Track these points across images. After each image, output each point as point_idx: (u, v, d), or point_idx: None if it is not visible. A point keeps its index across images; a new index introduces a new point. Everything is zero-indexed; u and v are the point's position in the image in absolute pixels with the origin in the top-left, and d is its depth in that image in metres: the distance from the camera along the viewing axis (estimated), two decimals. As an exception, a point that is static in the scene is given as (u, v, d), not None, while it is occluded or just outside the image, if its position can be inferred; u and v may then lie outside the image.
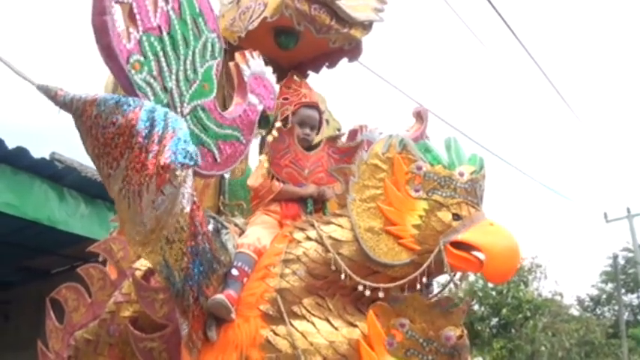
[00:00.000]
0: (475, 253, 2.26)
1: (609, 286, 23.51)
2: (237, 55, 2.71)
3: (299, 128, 2.90)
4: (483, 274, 2.29)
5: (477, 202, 2.32)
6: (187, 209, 2.15)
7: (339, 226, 2.42)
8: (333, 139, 2.99)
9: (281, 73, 3.46)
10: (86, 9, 2.16)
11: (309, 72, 3.54)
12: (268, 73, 2.77)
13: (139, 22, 2.22)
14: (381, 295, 2.29)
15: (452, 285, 2.40)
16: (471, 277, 15.62)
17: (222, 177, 3.13)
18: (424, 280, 2.26)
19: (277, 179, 2.80)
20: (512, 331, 15.59)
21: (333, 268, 2.33)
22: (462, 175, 2.31)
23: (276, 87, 2.84)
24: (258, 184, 2.79)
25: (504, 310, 15.29)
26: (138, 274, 2.74)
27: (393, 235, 2.30)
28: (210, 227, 2.44)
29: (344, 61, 3.50)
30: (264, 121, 2.77)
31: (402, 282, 2.27)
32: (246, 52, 2.71)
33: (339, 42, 3.22)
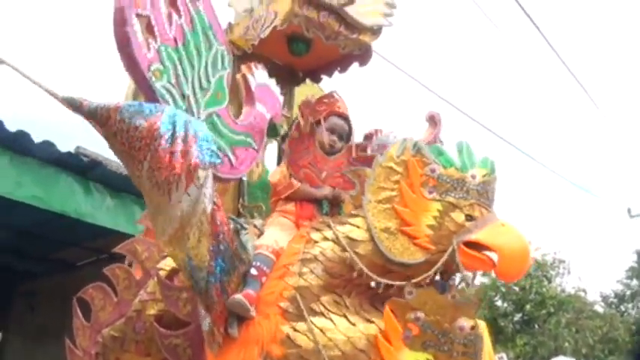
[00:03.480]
0: (487, 253, 2.31)
1: (634, 282, 23.21)
2: (243, 67, 2.80)
3: (328, 134, 2.95)
4: (495, 274, 2.36)
5: (488, 204, 2.38)
6: (209, 209, 2.24)
7: (355, 226, 2.48)
8: (355, 147, 3.02)
9: (296, 79, 3.55)
10: (108, 21, 2.25)
11: (323, 76, 3.59)
12: (272, 84, 2.85)
13: (157, 34, 2.32)
14: (395, 292, 2.34)
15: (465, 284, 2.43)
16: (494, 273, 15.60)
17: (241, 180, 3.19)
18: (437, 278, 2.33)
19: (295, 178, 2.87)
20: (536, 327, 15.53)
21: (350, 266, 2.39)
22: (474, 177, 2.37)
23: (281, 97, 2.93)
24: (277, 179, 2.88)
25: (528, 306, 15.23)
26: (162, 273, 2.81)
27: (408, 235, 2.36)
28: (231, 228, 2.52)
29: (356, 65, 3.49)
30: (272, 130, 2.83)
31: (416, 280, 2.32)
32: (252, 65, 2.79)
33: (349, 47, 3.26)
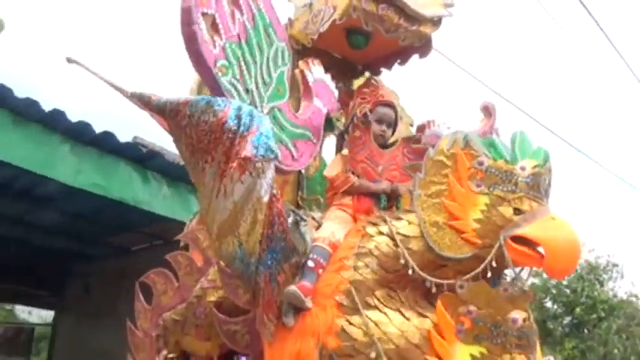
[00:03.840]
0: (538, 248, 2.25)
1: (690, 289, 22.38)
2: (300, 63, 2.88)
3: (376, 125, 2.98)
4: (544, 269, 2.29)
5: (540, 197, 2.31)
6: (265, 199, 2.31)
7: (408, 221, 2.49)
8: (409, 140, 3.04)
9: (355, 72, 3.56)
10: (175, 21, 2.38)
11: (382, 69, 3.59)
12: (327, 79, 2.93)
13: (222, 32, 2.44)
14: (450, 286, 2.33)
15: (517, 280, 2.39)
16: (545, 274, 15.33)
17: (300, 173, 3.27)
18: (488, 274, 2.28)
19: (353, 173, 2.89)
20: (585, 331, 15.16)
21: (402, 262, 2.40)
22: (523, 169, 2.31)
23: (336, 91, 2.98)
24: (335, 174, 2.91)
25: (578, 310, 14.85)
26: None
27: (456, 229, 2.34)
28: (290, 220, 2.59)
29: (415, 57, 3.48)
30: (329, 124, 2.90)
31: (467, 277, 2.31)
32: (309, 60, 2.88)
33: (409, 39, 3.21)
